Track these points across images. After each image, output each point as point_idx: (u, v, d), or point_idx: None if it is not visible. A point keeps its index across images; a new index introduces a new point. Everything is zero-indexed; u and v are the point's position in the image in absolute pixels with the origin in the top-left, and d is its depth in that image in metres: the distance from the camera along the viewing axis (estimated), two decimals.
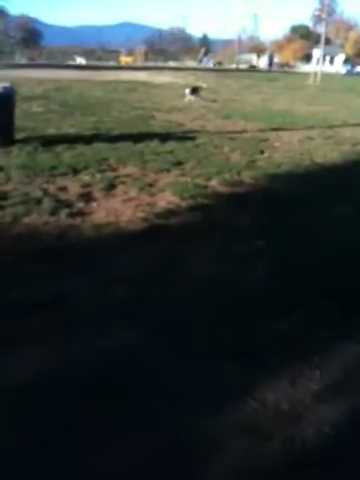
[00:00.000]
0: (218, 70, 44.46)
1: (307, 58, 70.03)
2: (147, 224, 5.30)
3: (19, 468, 2.27)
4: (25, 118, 11.22)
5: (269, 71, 51.40)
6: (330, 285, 4.13)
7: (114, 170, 7.40)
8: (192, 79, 25.70)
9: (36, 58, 63.58)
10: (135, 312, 3.58)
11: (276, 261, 4.59)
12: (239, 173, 7.69)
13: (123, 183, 6.73)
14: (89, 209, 5.66)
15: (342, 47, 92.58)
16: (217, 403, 2.71)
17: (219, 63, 63.22)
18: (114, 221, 5.33)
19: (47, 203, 5.61)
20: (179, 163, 8.07)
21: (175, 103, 16.25)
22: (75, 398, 2.68)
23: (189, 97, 17.20)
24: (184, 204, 6.05)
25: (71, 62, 42.97)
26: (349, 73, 67.97)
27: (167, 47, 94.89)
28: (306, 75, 39.73)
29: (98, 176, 6.94)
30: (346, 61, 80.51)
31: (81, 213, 5.49)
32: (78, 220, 5.27)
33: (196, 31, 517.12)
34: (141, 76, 28.53)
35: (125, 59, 57.01)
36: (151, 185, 6.76)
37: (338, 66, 78.22)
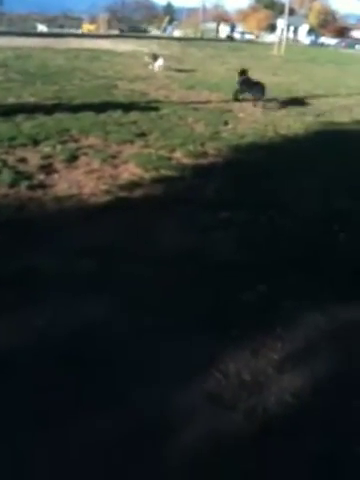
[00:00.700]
0: (182, 39, 43.78)
1: (272, 28, 69.55)
2: (110, 196, 5.21)
3: None
4: None
5: (232, 41, 50.82)
6: (295, 256, 4.17)
7: (76, 141, 7.23)
8: (155, 48, 25.22)
9: None
10: (100, 284, 3.54)
11: (240, 232, 4.60)
12: (203, 144, 7.63)
13: (85, 154, 6.60)
14: (50, 181, 5.52)
15: (306, 17, 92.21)
16: (181, 375, 2.72)
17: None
18: (76, 193, 5.22)
19: (6, 175, 5.44)
20: (143, 134, 7.95)
21: (139, 72, 15.94)
22: (40, 372, 2.65)
23: (158, 63, 16.86)
24: (148, 176, 5.97)
25: (32, 30, 41.55)
26: (313, 44, 68.05)
27: (131, 15, 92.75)
28: (270, 45, 39.52)
29: (59, 147, 6.77)
30: (310, 31, 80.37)
31: (42, 185, 5.35)
32: (39, 192, 5.14)
33: None
34: (104, 44, 27.84)
35: (88, 27, 55.44)
36: (114, 157, 6.64)
37: (302, 36, 78.07)
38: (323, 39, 76.09)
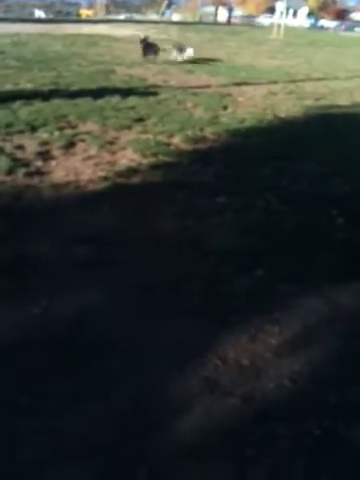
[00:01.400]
0: (181, 23, 43.32)
1: (271, 11, 68.78)
2: (108, 183, 5.18)
3: None
4: None
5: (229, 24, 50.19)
6: (293, 240, 4.16)
7: (73, 127, 7.18)
8: (154, 32, 24.95)
9: None
10: (98, 271, 3.53)
11: (239, 217, 4.59)
12: (202, 129, 7.58)
13: (83, 141, 6.55)
14: (48, 168, 5.49)
15: (305, 0, 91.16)
16: (179, 361, 2.72)
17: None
18: (74, 180, 5.19)
19: (3, 162, 5.40)
20: (141, 119, 7.89)
21: (137, 57, 15.79)
22: (36, 359, 2.64)
23: (187, 53, 16.35)
24: (146, 162, 5.94)
25: (30, 16, 41.04)
26: (313, 27, 67.36)
27: None
28: (270, 28, 39.10)
29: (57, 133, 6.72)
30: (309, 14, 79.42)
31: (39, 172, 5.32)
32: (36, 179, 5.11)
33: None
34: (102, 29, 27.54)
35: (86, 12, 54.78)
36: (112, 143, 6.60)
37: (301, 19, 77.16)
38: (323, 22, 75.24)
